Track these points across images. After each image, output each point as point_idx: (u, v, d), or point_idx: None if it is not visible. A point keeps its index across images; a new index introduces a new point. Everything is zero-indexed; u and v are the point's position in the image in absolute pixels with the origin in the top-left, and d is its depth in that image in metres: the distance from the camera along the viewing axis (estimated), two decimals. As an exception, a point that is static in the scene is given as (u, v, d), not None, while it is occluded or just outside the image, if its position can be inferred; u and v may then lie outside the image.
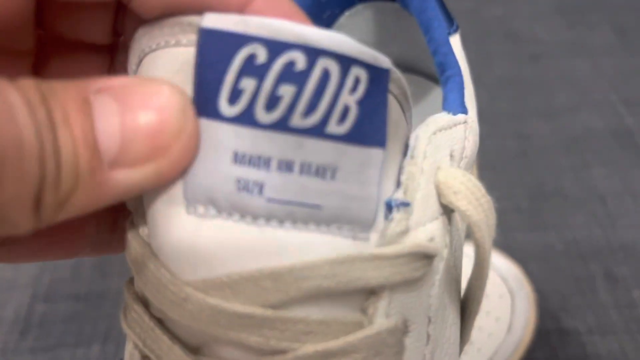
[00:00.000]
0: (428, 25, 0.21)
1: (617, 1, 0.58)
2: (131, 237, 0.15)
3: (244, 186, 0.13)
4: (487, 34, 0.56)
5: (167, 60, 0.14)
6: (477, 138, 0.18)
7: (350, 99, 0.14)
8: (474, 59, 0.54)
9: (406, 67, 0.26)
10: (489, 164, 0.45)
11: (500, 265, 0.35)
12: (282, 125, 0.13)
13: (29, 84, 0.12)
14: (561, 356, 0.35)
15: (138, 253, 0.15)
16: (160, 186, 0.14)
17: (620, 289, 0.38)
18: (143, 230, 0.15)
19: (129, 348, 0.16)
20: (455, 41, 0.21)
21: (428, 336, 0.16)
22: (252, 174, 0.13)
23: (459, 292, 0.18)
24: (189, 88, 0.13)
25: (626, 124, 0.47)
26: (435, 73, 0.25)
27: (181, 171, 0.14)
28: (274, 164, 0.13)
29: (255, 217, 0.14)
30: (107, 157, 0.13)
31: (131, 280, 0.16)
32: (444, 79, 0.20)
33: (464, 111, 0.19)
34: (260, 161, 0.13)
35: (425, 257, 0.15)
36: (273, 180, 0.13)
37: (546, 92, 0.50)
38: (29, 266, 0.40)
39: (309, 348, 0.14)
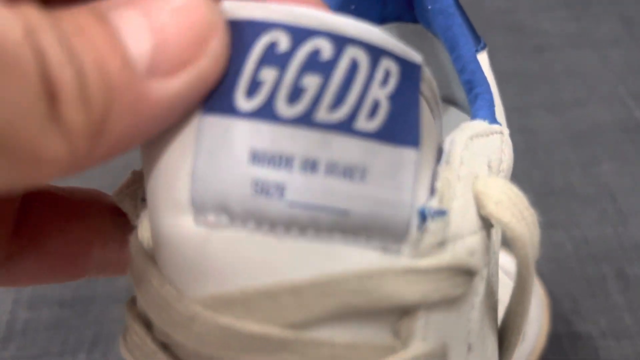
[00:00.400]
0: (454, 43, 0.20)
1: (623, -9, 0.56)
2: (134, 251, 0.14)
3: (262, 189, 0.12)
4: (490, 26, 0.54)
5: None
6: (512, 154, 0.17)
7: (380, 93, 0.12)
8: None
9: None
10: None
11: (510, 267, 0.33)
12: (306, 120, 0.12)
13: (28, 3, 0.10)
14: (573, 362, 0.33)
15: (141, 268, 0.13)
16: (201, 95, 0.12)
17: (633, 290, 0.36)
18: (148, 243, 0.14)
19: None
20: (483, 58, 0.20)
21: None
22: (272, 174, 0.12)
23: (497, 321, 0.17)
24: None
25: (635, 117, 0.46)
26: (459, 99, 0.24)
27: (222, 72, 0.12)
28: (296, 163, 0.12)
29: (273, 225, 0.12)
30: (141, 66, 0.11)
31: (133, 300, 0.15)
32: (472, 97, 0.19)
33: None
34: (281, 160, 0.12)
35: (466, 274, 0.14)
36: (296, 182, 0.12)
37: (552, 86, 0.49)
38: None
39: None
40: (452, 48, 0.20)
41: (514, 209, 0.14)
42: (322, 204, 0.12)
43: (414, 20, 0.22)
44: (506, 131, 0.17)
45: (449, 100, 0.25)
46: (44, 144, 0.10)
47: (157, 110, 0.11)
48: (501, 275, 0.33)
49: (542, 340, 0.32)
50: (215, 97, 0.12)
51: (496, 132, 0.16)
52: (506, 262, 0.34)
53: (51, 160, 0.10)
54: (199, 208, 0.12)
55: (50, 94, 0.10)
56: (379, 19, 0.23)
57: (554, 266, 0.37)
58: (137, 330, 0.14)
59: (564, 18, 0.55)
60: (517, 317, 0.16)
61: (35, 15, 0.10)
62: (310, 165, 0.12)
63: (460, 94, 0.23)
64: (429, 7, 0.20)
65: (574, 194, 0.41)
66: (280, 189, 0.12)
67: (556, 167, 0.43)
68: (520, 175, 0.42)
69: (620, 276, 0.36)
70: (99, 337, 0.35)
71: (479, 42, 0.20)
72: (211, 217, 0.12)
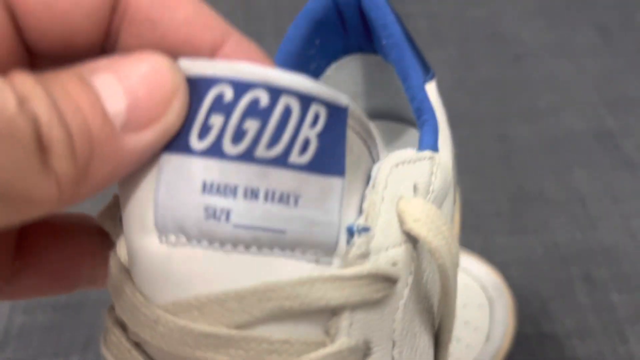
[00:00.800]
0: (405, 74, 0.22)
1: (600, 1, 0.58)
2: (112, 265, 0.16)
3: (212, 213, 0.14)
4: (470, 35, 0.56)
5: None
6: (447, 176, 0.19)
7: (310, 133, 0.15)
8: (457, 61, 0.54)
9: (390, 115, 0.27)
10: (470, 167, 0.45)
11: (480, 273, 0.35)
12: (247, 156, 0.14)
13: (17, 73, 0.13)
14: (540, 360, 0.35)
15: (117, 279, 0.16)
16: (165, 143, 0.14)
17: (599, 292, 0.38)
18: (125, 258, 0.16)
19: None
20: (431, 88, 0.23)
21: (392, 358, 0.17)
22: (220, 201, 0.14)
23: (432, 322, 0.19)
24: None
25: (607, 125, 0.47)
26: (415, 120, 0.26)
27: (182, 124, 0.14)
28: (240, 191, 0.14)
29: (222, 243, 0.14)
30: (117, 123, 0.13)
31: (112, 307, 0.17)
32: (420, 123, 0.21)
33: (436, 150, 0.20)
34: (227, 189, 0.14)
35: (386, 280, 0.16)
36: (239, 207, 0.14)
37: (529, 94, 0.50)
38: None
39: None
40: (404, 78, 0.22)
41: (431, 225, 0.17)
42: (262, 225, 0.15)
43: (374, 51, 0.24)
44: (440, 155, 0.19)
45: (407, 121, 0.27)
46: (37, 191, 0.12)
47: (130, 158, 0.14)
48: (466, 279, 0.35)
49: (508, 341, 0.34)
50: (173, 139, 0.14)
51: (425, 158, 0.18)
52: (473, 267, 0.35)
53: (43, 202, 0.12)
54: (161, 230, 0.14)
55: (42, 149, 0.12)
56: (342, 51, 0.25)
57: (525, 269, 0.39)
58: (115, 332, 0.16)
59: (542, 28, 0.56)
60: (445, 318, 0.19)
61: (28, 84, 0.12)
62: (252, 193, 0.14)
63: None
64: (384, 42, 0.22)
65: (546, 200, 0.43)
66: (227, 213, 0.14)
67: (529, 174, 0.44)
68: (494, 181, 0.44)
69: (586, 279, 0.38)
70: (92, 339, 0.37)
71: (428, 73, 0.23)
72: (172, 237, 0.14)
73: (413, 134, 0.27)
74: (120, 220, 0.17)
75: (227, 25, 0.16)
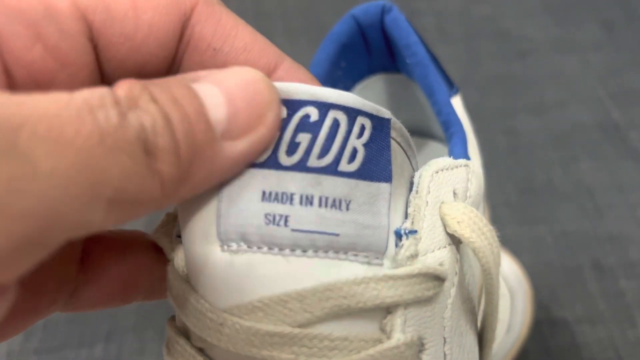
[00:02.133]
0: (431, 90, 0.24)
1: (603, -3, 0.59)
2: (172, 277, 0.17)
3: (271, 220, 0.16)
4: (476, 32, 0.57)
5: None
6: (481, 183, 0.20)
7: (357, 143, 0.16)
8: (463, 57, 0.55)
9: (416, 132, 0.29)
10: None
11: (502, 263, 0.35)
12: (301, 166, 0.16)
13: (129, 80, 0.14)
14: (552, 346, 0.36)
15: (179, 289, 0.17)
16: (258, 155, 0.16)
17: (607, 279, 0.39)
18: (183, 270, 0.17)
19: None
20: (457, 102, 0.24)
21: (444, 355, 0.18)
22: (278, 208, 0.16)
23: (476, 323, 0.20)
24: None
25: (613, 118, 0.48)
26: (438, 134, 0.28)
27: (274, 139, 0.15)
28: (296, 198, 0.16)
29: (281, 248, 0.16)
30: (218, 130, 0.14)
31: (173, 318, 0.18)
32: (448, 136, 0.23)
33: (468, 160, 0.21)
34: (284, 197, 0.16)
35: (436, 279, 0.17)
36: (296, 213, 0.16)
37: (535, 89, 0.51)
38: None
39: None
40: (430, 94, 0.23)
41: (473, 226, 0.18)
42: (318, 229, 0.16)
43: (397, 70, 0.26)
44: (474, 164, 0.20)
45: (429, 135, 0.28)
46: (144, 193, 0.13)
47: (227, 165, 0.15)
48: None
49: (526, 330, 0.34)
50: None
51: (461, 166, 0.19)
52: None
53: (147, 202, 0.13)
54: (224, 240, 0.16)
55: (148, 154, 0.13)
56: (367, 71, 0.27)
57: (535, 258, 0.40)
58: (178, 340, 0.17)
59: (547, 24, 0.57)
60: (489, 317, 0.20)
61: (136, 89, 0.13)
62: (307, 200, 0.16)
63: (438, 129, 0.27)
64: (408, 62, 0.23)
65: (554, 191, 0.44)
66: (285, 219, 0.16)
67: (537, 166, 0.45)
68: (503, 174, 0.45)
69: (595, 266, 0.39)
70: (114, 329, 0.38)
71: (452, 88, 0.24)
72: (234, 245, 0.16)
73: (436, 147, 0.28)
74: (178, 235, 0.18)
75: (279, 51, 0.17)
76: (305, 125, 0.16)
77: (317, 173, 0.16)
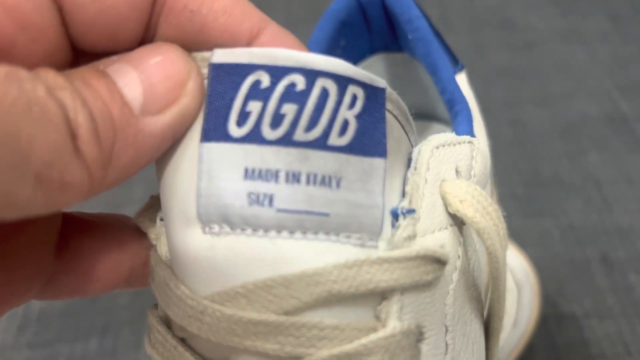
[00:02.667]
0: (434, 67, 0.22)
1: (611, -12, 0.58)
2: (154, 263, 0.16)
3: (255, 199, 0.14)
4: (481, 23, 0.56)
5: None
6: (487, 162, 0.19)
7: (348, 114, 0.15)
8: (469, 48, 0.54)
9: (419, 114, 0.27)
10: (485, 152, 0.45)
11: (508, 255, 0.35)
12: (286, 140, 0.14)
13: (44, 69, 0.13)
14: (559, 340, 0.35)
15: (160, 276, 0.16)
16: (185, 126, 0.15)
17: (616, 273, 0.38)
18: (166, 255, 0.16)
19: None
20: (462, 79, 0.23)
21: (446, 345, 0.16)
22: (262, 187, 0.14)
23: (482, 312, 0.19)
24: (199, 116, 0.15)
25: (621, 109, 0.48)
26: (442, 116, 0.26)
27: (199, 109, 0.15)
28: (282, 175, 0.14)
29: (266, 230, 0.14)
30: (135, 107, 0.14)
31: (155, 306, 0.17)
32: (453, 114, 0.21)
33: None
34: (268, 174, 0.14)
35: (436, 262, 0.16)
36: (282, 191, 0.14)
37: (541, 80, 0.51)
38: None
39: (324, 352, 0.15)
40: (433, 72, 0.22)
41: (477, 205, 0.16)
42: (306, 208, 0.14)
43: (400, 49, 0.24)
44: (479, 141, 0.19)
45: (433, 117, 0.27)
46: (70, 173, 0.13)
47: (151, 141, 0.14)
48: None
49: (532, 325, 0.34)
50: (211, 127, 0.14)
51: (464, 142, 0.18)
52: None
53: (76, 185, 0.13)
54: (204, 221, 0.15)
55: (72, 134, 0.13)
56: (369, 50, 0.25)
57: (542, 251, 0.39)
58: (159, 329, 0.16)
59: (553, 15, 0.56)
60: (495, 304, 0.18)
61: (51, 75, 0.13)
62: (293, 177, 0.14)
63: (443, 111, 0.25)
64: (410, 38, 0.22)
65: (561, 183, 0.43)
66: (270, 198, 0.14)
67: (544, 158, 0.45)
68: (509, 166, 0.44)
69: (604, 260, 0.38)
70: (109, 324, 0.37)
71: (456, 64, 0.23)
72: (215, 227, 0.14)
73: (441, 130, 0.27)
74: (161, 218, 0.17)
75: (263, 15, 0.16)
76: (290, 94, 0.14)
77: (305, 147, 0.14)
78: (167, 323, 0.16)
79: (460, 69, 0.23)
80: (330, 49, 0.23)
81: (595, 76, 0.50)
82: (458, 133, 0.20)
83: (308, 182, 0.14)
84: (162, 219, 0.17)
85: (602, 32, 0.54)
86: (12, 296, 0.17)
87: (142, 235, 0.18)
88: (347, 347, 0.15)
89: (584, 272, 0.38)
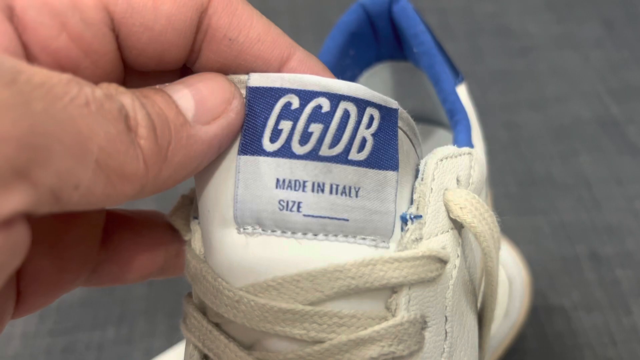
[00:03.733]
0: (437, 79, 0.24)
1: (605, -4, 0.60)
2: (190, 257, 0.18)
3: (285, 206, 0.16)
4: (479, 29, 0.58)
5: None
6: (484, 169, 0.21)
7: (366, 132, 0.17)
8: (466, 53, 0.56)
9: (422, 118, 0.30)
10: (481, 153, 0.47)
11: (501, 250, 0.36)
12: (313, 155, 0.16)
13: (108, 84, 0.15)
14: (548, 331, 0.37)
15: (197, 269, 0.18)
16: (230, 138, 0.17)
17: (604, 268, 0.40)
18: (200, 250, 0.18)
19: (188, 350, 0.19)
20: (462, 90, 0.25)
21: (446, 333, 0.19)
22: (292, 195, 0.16)
23: (476, 304, 0.21)
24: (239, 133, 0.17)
25: (612, 113, 0.49)
26: (445, 121, 0.28)
27: (242, 124, 0.17)
28: (308, 185, 0.16)
29: (294, 232, 0.17)
30: (188, 116, 0.16)
31: (189, 294, 0.19)
32: (453, 123, 0.23)
33: (471, 147, 0.22)
34: (297, 184, 0.16)
35: (439, 261, 0.18)
36: (308, 199, 0.17)
37: (536, 84, 0.52)
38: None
39: (343, 337, 0.17)
40: (436, 82, 0.24)
41: (475, 212, 0.19)
42: (329, 214, 0.17)
43: (405, 58, 0.27)
44: (477, 151, 0.21)
45: (437, 122, 0.29)
46: (128, 165, 0.14)
47: (201, 147, 0.16)
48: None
49: (523, 316, 0.35)
50: (248, 142, 0.17)
51: (465, 154, 0.20)
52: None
53: (133, 175, 0.15)
54: (240, 223, 0.17)
55: (130, 129, 0.15)
56: (375, 59, 0.27)
57: (534, 247, 0.41)
58: (195, 315, 0.19)
59: (549, 21, 0.58)
60: (488, 298, 0.21)
61: (112, 86, 0.15)
62: (319, 187, 0.17)
63: (445, 117, 0.28)
64: (415, 50, 0.24)
65: (553, 183, 0.45)
66: (298, 205, 0.17)
67: (538, 159, 0.46)
68: (504, 167, 0.46)
69: (592, 256, 0.40)
70: (125, 313, 0.39)
71: (457, 76, 0.25)
72: (249, 228, 0.17)
73: (442, 134, 0.29)
74: (195, 217, 0.19)
75: (291, 41, 0.18)
76: (317, 115, 0.16)
77: (329, 162, 0.16)
78: (202, 310, 0.19)
79: (461, 81, 0.25)
80: (340, 58, 0.25)
81: (588, 80, 0.52)
82: (458, 140, 0.22)
83: (331, 191, 0.17)
84: (195, 217, 0.19)
85: (596, 38, 0.56)
86: (64, 282, 0.19)
87: (174, 230, 0.20)
88: (363, 333, 0.17)
89: (573, 267, 0.40)
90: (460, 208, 0.18)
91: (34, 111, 0.12)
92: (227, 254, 0.17)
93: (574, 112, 0.50)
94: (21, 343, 0.38)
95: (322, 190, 0.17)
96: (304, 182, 0.16)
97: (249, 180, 0.17)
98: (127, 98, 0.15)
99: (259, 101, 0.17)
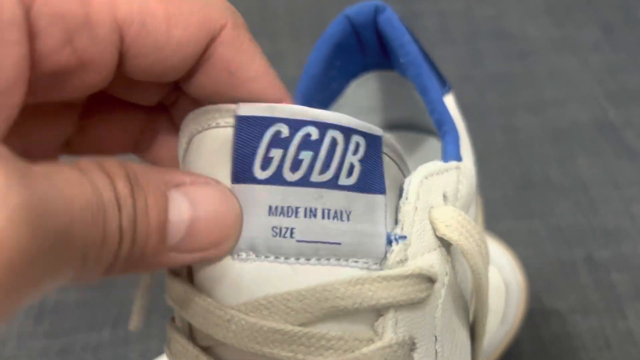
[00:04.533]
0: (424, 89, 0.24)
1: (603, 0, 0.60)
2: (170, 281, 0.18)
3: (278, 232, 0.17)
4: (478, 32, 0.58)
5: (209, 141, 0.17)
6: (472, 182, 0.21)
7: (354, 159, 0.17)
8: (465, 57, 0.57)
9: (409, 126, 0.29)
10: (478, 156, 0.47)
11: (496, 255, 0.36)
12: (304, 182, 0.17)
13: (119, 173, 0.15)
14: (544, 334, 0.37)
15: (180, 292, 0.18)
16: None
17: (600, 272, 0.40)
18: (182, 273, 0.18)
19: None
20: (449, 100, 0.25)
21: (436, 352, 0.19)
22: (284, 221, 0.17)
23: (468, 318, 0.21)
24: (227, 161, 0.17)
25: (610, 117, 0.50)
26: (434, 130, 0.28)
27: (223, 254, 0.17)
28: (301, 211, 0.17)
29: (287, 257, 0.17)
30: (170, 243, 0.16)
31: (173, 319, 0.20)
32: (441, 134, 0.23)
33: (459, 159, 0.22)
34: (289, 210, 0.17)
35: (428, 280, 0.18)
36: (301, 225, 0.17)
37: (534, 87, 0.52)
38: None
39: None
40: (423, 93, 0.24)
41: (461, 229, 0.19)
42: (322, 239, 0.17)
43: (391, 67, 0.27)
44: (465, 164, 0.21)
45: (427, 131, 0.29)
46: (92, 275, 0.15)
47: (163, 266, 0.16)
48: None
49: (518, 321, 0.35)
50: (240, 171, 0.17)
51: (452, 168, 0.20)
52: (490, 249, 0.37)
53: (90, 279, 0.15)
54: (234, 250, 0.17)
55: (119, 208, 0.15)
56: (362, 69, 0.27)
57: (530, 250, 0.41)
58: (180, 340, 0.19)
59: (547, 25, 0.58)
60: (479, 313, 0.21)
61: (115, 166, 0.15)
62: (311, 212, 0.17)
63: (433, 125, 0.27)
64: (402, 61, 0.24)
65: (550, 186, 0.45)
66: (291, 231, 0.17)
67: (535, 162, 0.47)
68: (501, 170, 0.46)
69: (588, 259, 0.40)
70: (121, 315, 0.39)
71: (444, 86, 0.25)
72: (243, 254, 0.17)
73: (432, 142, 0.29)
74: None
75: (284, 89, 0.19)
76: (307, 143, 0.17)
77: (320, 187, 0.17)
78: (187, 333, 0.19)
79: (448, 90, 0.25)
80: (326, 69, 0.25)
81: (586, 84, 0.52)
82: (446, 151, 0.22)
83: (323, 216, 0.17)
84: None
85: (594, 42, 0.56)
86: (47, 142, 0.19)
87: (149, 110, 0.20)
88: (350, 356, 0.17)
89: (569, 270, 0.40)
90: (446, 226, 0.19)
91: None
92: (219, 277, 0.17)
93: (572, 115, 0.50)
94: (17, 344, 0.38)
95: (315, 215, 0.17)
96: (297, 208, 0.17)
97: (242, 209, 0.17)
98: (120, 181, 0.15)
99: (249, 130, 0.17)
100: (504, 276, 0.36)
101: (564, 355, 0.36)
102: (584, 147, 0.47)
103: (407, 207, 0.18)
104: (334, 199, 0.17)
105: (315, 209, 0.17)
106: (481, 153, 0.47)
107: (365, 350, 0.17)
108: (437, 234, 0.19)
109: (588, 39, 0.57)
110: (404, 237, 0.18)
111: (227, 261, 0.17)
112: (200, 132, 0.18)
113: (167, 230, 0.16)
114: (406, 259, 0.18)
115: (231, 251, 0.17)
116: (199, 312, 0.17)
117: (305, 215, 0.17)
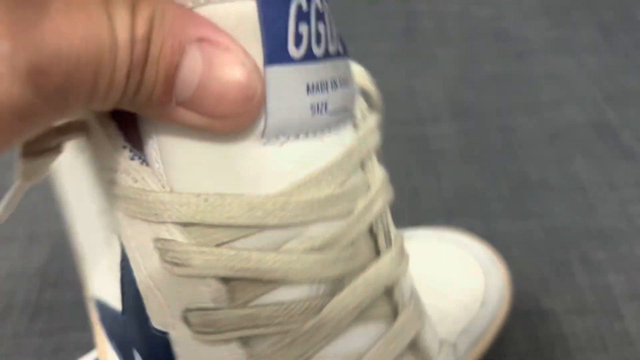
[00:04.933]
0: None
1: (601, 1, 0.60)
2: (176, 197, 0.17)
3: (316, 109, 0.17)
4: (476, 33, 0.58)
5: (221, 17, 0.15)
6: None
7: (334, 26, 0.18)
8: (462, 57, 0.56)
9: None
10: (475, 157, 0.47)
11: (474, 246, 0.36)
12: (326, 55, 0.17)
13: (145, 9, 0.14)
14: (540, 334, 0.37)
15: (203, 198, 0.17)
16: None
17: (596, 272, 0.40)
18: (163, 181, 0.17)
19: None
20: None
21: None
22: (320, 98, 0.17)
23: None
24: (252, 42, 0.15)
25: (607, 118, 0.49)
26: None
27: (232, 130, 0.16)
28: (329, 84, 0.17)
29: (320, 132, 0.17)
30: (178, 99, 0.15)
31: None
32: None
33: None
34: (323, 86, 0.17)
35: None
36: (331, 97, 0.17)
37: (531, 88, 0.52)
38: (39, 256, 0.42)
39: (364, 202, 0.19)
40: None
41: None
42: (342, 106, 0.18)
43: None
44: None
45: None
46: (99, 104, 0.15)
47: (174, 120, 0.16)
48: (462, 252, 0.36)
49: (504, 311, 0.35)
50: (272, 51, 0.16)
51: None
52: (467, 241, 0.37)
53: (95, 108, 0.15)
54: (268, 135, 0.16)
55: (124, 94, 0.15)
56: None
57: (526, 251, 0.41)
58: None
59: (545, 26, 0.58)
60: None
61: (139, 26, 0.14)
62: (334, 84, 0.17)
63: None
64: None
65: (547, 187, 0.45)
66: (325, 105, 0.17)
67: (532, 163, 0.46)
68: (498, 171, 0.46)
69: (585, 260, 0.40)
70: (117, 314, 0.39)
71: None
72: (281, 138, 0.16)
73: None
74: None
75: None
76: (318, 15, 0.16)
77: (334, 59, 0.17)
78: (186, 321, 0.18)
79: None
80: None
81: (583, 85, 0.52)
82: None
83: (341, 86, 0.18)
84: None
85: (592, 43, 0.56)
86: None
87: None
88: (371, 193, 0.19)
89: (565, 271, 0.40)
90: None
91: None
92: (253, 167, 0.16)
93: (569, 116, 0.50)
94: (12, 343, 0.38)
95: (337, 86, 0.17)
96: (326, 82, 0.17)
97: (282, 92, 0.16)
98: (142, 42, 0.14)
99: (273, 6, 0.15)
100: (481, 264, 0.35)
101: (560, 356, 0.36)
102: (581, 148, 0.47)
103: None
104: (341, 67, 0.18)
105: (336, 80, 0.17)
106: (478, 153, 0.47)
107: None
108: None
109: (585, 40, 0.57)
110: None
111: (259, 148, 0.16)
112: (202, 5, 0.15)
113: (175, 84, 0.15)
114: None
115: (241, 130, 0.16)
116: (235, 206, 0.16)
117: (333, 88, 0.17)
